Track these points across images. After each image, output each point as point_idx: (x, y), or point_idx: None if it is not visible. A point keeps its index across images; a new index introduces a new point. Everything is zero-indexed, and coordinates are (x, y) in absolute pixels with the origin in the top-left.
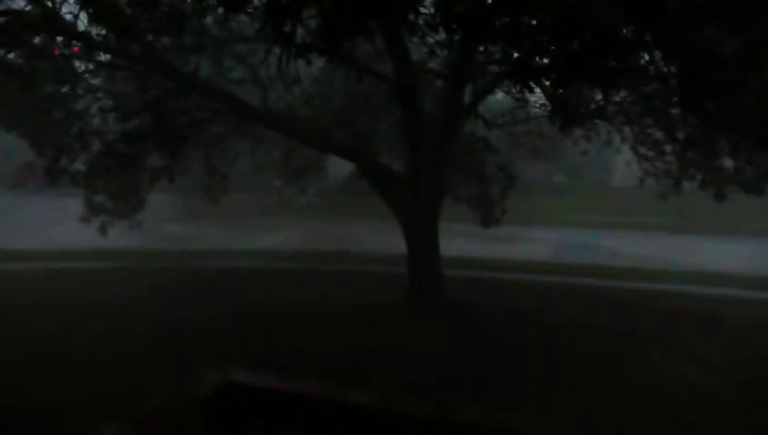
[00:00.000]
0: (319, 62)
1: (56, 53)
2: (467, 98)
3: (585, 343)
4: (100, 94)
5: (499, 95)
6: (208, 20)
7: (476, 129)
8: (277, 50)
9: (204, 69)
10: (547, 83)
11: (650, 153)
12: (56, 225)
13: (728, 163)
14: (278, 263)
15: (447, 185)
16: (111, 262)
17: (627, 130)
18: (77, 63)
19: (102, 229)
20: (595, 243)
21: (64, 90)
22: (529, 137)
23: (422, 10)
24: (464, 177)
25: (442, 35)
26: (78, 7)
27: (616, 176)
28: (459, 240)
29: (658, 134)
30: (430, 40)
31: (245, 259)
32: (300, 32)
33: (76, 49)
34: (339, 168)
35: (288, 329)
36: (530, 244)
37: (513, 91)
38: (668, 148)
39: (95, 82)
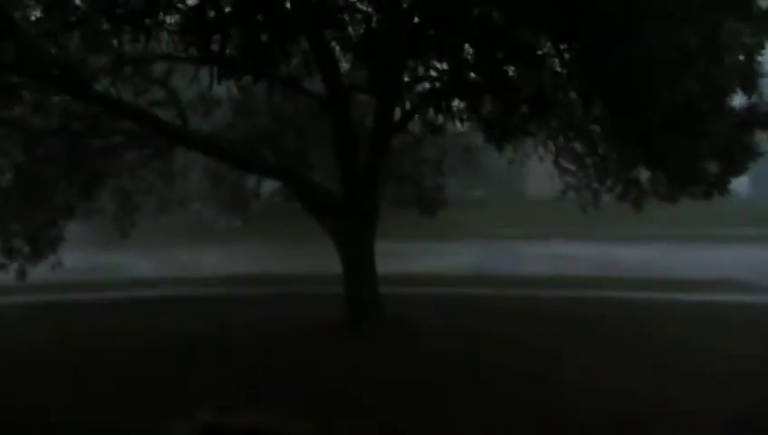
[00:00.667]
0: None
1: None
2: (397, 113)
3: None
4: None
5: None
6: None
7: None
8: (202, 70)
9: (116, 89)
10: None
11: (571, 166)
12: None
13: (643, 175)
14: (207, 289)
15: (381, 201)
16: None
17: (549, 143)
18: None
19: (22, 274)
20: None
21: None
22: (455, 152)
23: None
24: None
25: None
26: None
27: (530, 187)
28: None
29: (579, 148)
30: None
31: (174, 287)
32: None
33: None
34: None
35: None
36: (448, 257)
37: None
38: (588, 160)
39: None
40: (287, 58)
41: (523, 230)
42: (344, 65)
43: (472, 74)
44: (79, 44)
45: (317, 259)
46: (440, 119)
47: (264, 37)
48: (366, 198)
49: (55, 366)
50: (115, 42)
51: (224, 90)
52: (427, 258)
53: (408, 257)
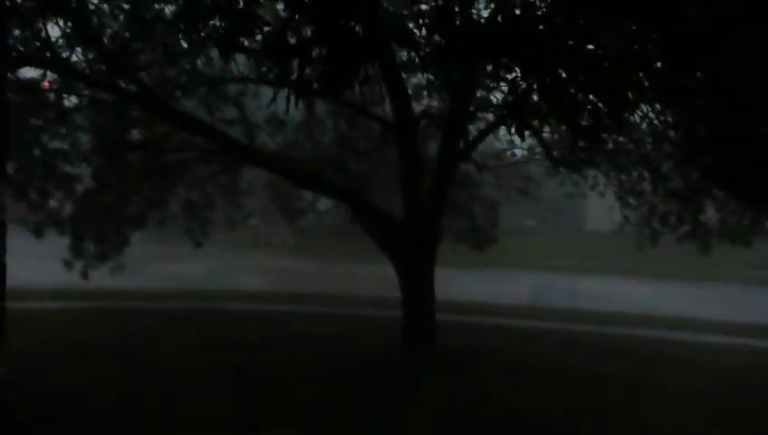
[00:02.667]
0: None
1: (46, 85)
2: (462, 141)
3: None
4: (82, 133)
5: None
6: (200, 59)
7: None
8: (281, 92)
9: (192, 107)
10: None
11: (634, 201)
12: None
13: (711, 215)
14: (261, 305)
15: (443, 227)
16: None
17: (613, 175)
18: (66, 99)
19: (84, 274)
20: (572, 287)
21: (47, 126)
22: (515, 179)
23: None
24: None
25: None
26: (71, 41)
27: (588, 221)
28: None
29: (645, 183)
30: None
31: (229, 301)
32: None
33: (47, 84)
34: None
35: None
36: (500, 286)
37: (510, 133)
38: (653, 198)
39: (80, 120)
40: (362, 82)
41: (577, 263)
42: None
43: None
44: (159, 63)
45: (375, 281)
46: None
47: (340, 61)
48: (428, 226)
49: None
50: (194, 61)
51: (291, 110)
52: (479, 286)
53: (459, 284)
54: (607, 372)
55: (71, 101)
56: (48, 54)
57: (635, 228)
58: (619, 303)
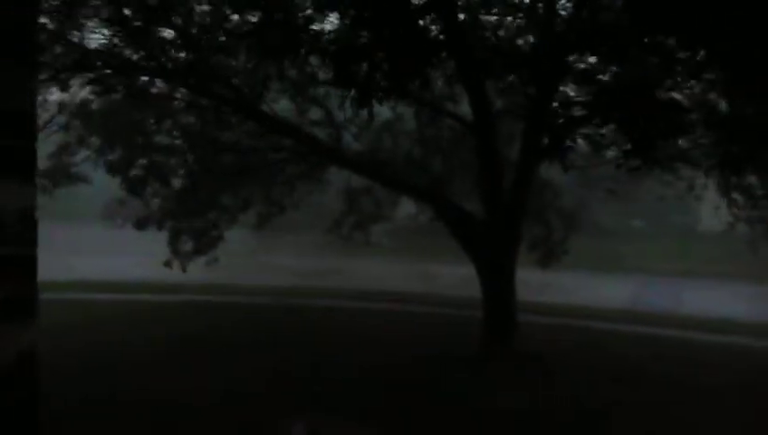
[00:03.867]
0: (390, 103)
1: (157, 96)
2: (545, 139)
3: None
4: (187, 133)
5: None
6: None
7: (546, 170)
8: (351, 93)
9: (282, 110)
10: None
11: (741, 199)
12: (144, 257)
13: None
14: (359, 302)
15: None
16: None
17: (714, 174)
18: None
19: (182, 267)
20: (677, 292)
21: (156, 128)
22: (606, 180)
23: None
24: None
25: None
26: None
27: (701, 221)
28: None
29: (752, 178)
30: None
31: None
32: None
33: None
34: (408, 208)
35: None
36: (598, 290)
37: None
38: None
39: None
40: (428, 82)
41: (686, 265)
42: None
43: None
44: (250, 68)
45: (461, 281)
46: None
47: (406, 61)
48: (508, 226)
49: None
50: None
51: (376, 110)
52: (579, 289)
53: (556, 286)
54: (708, 382)
55: (172, 104)
56: (152, 62)
57: (748, 228)
58: (730, 308)
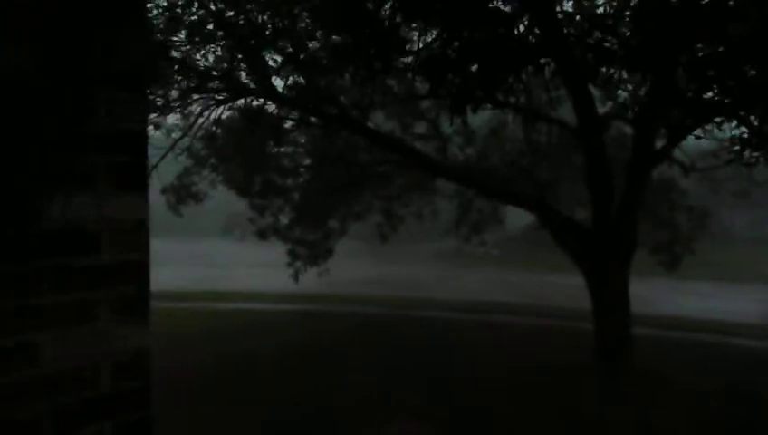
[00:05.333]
0: (492, 112)
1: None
2: (659, 141)
3: None
4: (300, 150)
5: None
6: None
7: (665, 172)
8: (447, 103)
9: (387, 124)
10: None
11: None
12: (260, 268)
13: None
14: (469, 314)
15: (638, 235)
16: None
17: None
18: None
19: (295, 277)
20: None
21: (272, 147)
22: (734, 181)
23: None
24: (647, 222)
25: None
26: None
27: None
28: (644, 294)
29: None
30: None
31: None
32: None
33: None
34: (518, 217)
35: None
36: (729, 302)
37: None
38: None
39: (300, 139)
40: (524, 88)
41: None
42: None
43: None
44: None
45: (577, 292)
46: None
47: (499, 69)
48: (620, 235)
49: None
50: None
51: (481, 121)
52: (702, 300)
53: (679, 297)
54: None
55: (284, 124)
56: (264, 85)
57: None
58: None
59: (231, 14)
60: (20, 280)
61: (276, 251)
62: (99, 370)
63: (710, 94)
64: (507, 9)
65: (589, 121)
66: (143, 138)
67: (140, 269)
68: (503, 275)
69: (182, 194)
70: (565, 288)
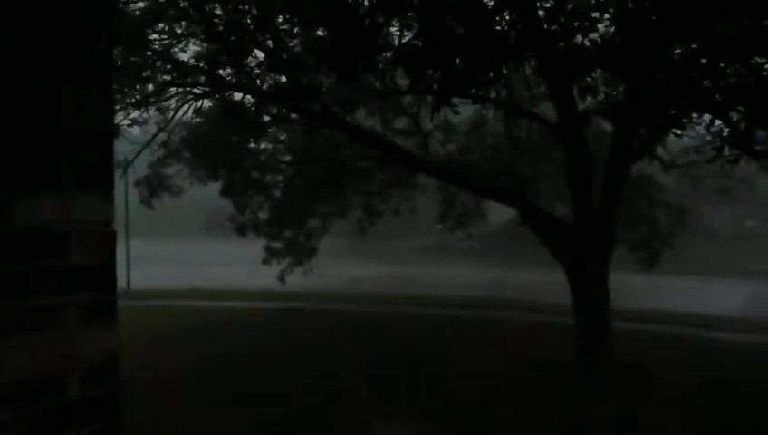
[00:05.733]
0: (474, 107)
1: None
2: (639, 137)
3: None
4: (280, 146)
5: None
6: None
7: (645, 169)
8: (429, 99)
9: (368, 120)
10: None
11: None
12: (242, 266)
13: None
14: (446, 310)
15: (616, 231)
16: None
17: None
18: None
19: (281, 277)
20: None
21: (252, 144)
22: (715, 178)
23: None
24: (626, 218)
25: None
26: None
27: None
28: (624, 289)
29: None
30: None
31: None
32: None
33: None
34: (500, 213)
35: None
36: (710, 297)
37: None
38: None
39: (279, 136)
40: (505, 84)
41: None
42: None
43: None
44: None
45: (560, 288)
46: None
47: (480, 64)
48: (600, 231)
49: None
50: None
51: (462, 116)
52: (684, 295)
53: (663, 292)
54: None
55: (263, 119)
56: (245, 81)
57: None
58: None
59: (211, 7)
60: None
61: (259, 248)
62: (67, 376)
63: (687, 91)
64: (488, 3)
65: (569, 118)
66: (110, 137)
67: (107, 271)
68: (486, 271)
69: (155, 186)
70: (547, 284)
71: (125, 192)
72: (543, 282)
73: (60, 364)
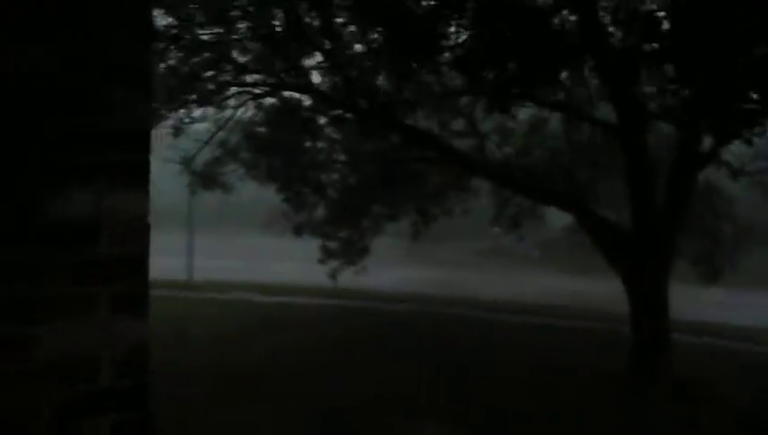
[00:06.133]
0: (532, 110)
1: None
2: (706, 142)
3: None
4: (336, 146)
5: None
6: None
7: (711, 175)
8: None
9: (424, 121)
10: None
11: None
12: (298, 263)
13: None
14: (502, 315)
15: (678, 241)
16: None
17: None
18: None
19: (333, 275)
20: None
21: (307, 143)
22: None
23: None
24: (689, 229)
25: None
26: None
27: None
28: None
29: None
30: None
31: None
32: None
33: None
34: (561, 218)
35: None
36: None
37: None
38: None
39: (336, 135)
40: (561, 85)
41: None
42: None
43: None
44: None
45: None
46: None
47: (536, 65)
48: (659, 239)
49: None
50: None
51: (520, 117)
52: (750, 309)
53: (729, 306)
54: None
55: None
56: (303, 81)
57: None
58: None
59: (271, 11)
60: (23, 270)
61: (314, 246)
62: (99, 363)
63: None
64: (545, 3)
65: (629, 120)
66: (146, 136)
67: (139, 263)
68: (543, 277)
69: (207, 181)
70: (607, 293)
71: (186, 187)
72: (603, 290)
73: (92, 351)
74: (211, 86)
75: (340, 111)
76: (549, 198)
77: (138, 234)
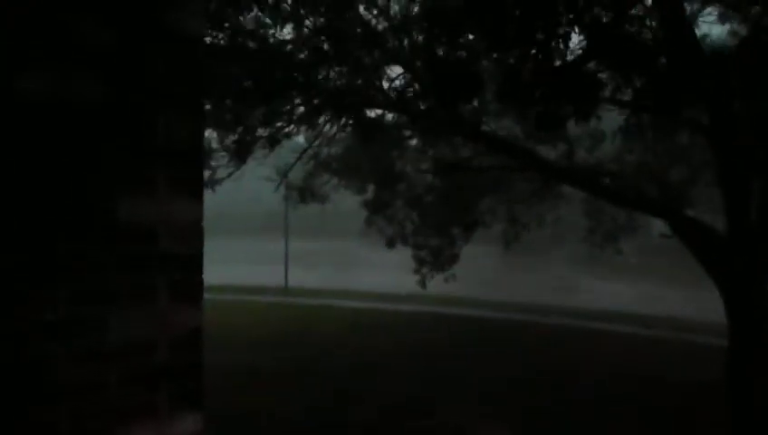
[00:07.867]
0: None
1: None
2: None
3: None
4: (422, 157)
5: None
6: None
7: None
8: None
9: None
10: None
11: None
12: (392, 270)
13: None
14: (595, 323)
15: None
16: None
17: None
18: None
19: (422, 283)
20: None
21: (394, 154)
22: None
23: None
24: None
25: None
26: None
27: None
28: None
29: None
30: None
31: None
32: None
33: None
34: (661, 224)
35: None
36: None
37: None
38: None
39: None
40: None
41: None
42: None
43: None
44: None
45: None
46: None
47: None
48: (759, 242)
49: None
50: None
51: (612, 123)
52: None
53: None
54: None
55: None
56: (381, 96)
57: None
58: None
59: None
60: (95, 263)
61: (407, 253)
62: (157, 345)
63: None
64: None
65: (722, 122)
66: (197, 152)
67: (194, 259)
68: (638, 285)
69: (304, 194)
70: (703, 302)
71: (284, 197)
72: (699, 299)
73: (152, 334)
74: (302, 109)
75: (424, 123)
76: (641, 204)
77: (192, 235)
